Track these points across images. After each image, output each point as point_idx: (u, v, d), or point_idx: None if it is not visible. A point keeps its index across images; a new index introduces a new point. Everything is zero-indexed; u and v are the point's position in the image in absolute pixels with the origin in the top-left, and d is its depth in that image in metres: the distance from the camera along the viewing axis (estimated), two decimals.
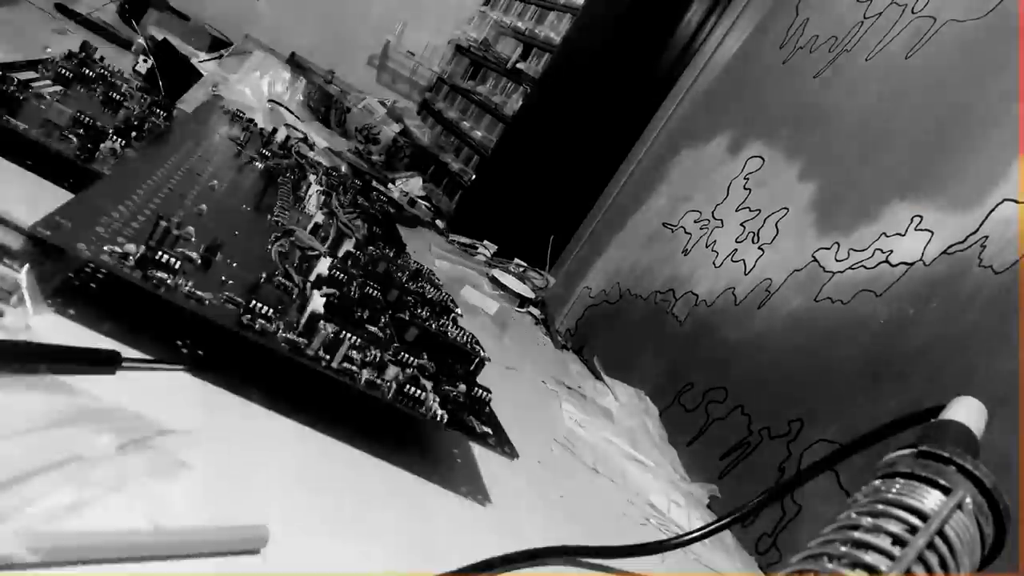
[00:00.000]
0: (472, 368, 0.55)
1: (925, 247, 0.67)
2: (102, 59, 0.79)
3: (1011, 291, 0.59)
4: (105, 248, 0.40)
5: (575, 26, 1.33)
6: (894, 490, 0.24)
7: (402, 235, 0.89)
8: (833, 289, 0.73)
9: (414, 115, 1.68)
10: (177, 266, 0.40)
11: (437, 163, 1.52)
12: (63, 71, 0.68)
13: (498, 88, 1.54)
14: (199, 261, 0.44)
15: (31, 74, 0.63)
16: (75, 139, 0.55)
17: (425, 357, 0.49)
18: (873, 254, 0.72)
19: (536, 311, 1.08)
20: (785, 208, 0.84)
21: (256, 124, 0.92)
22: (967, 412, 0.29)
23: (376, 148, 1.42)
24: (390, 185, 1.26)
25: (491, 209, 1.29)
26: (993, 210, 0.64)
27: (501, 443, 0.48)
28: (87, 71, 0.71)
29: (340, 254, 0.58)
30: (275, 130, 0.92)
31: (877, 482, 0.25)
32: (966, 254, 0.64)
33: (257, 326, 0.41)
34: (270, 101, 1.17)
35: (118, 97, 0.68)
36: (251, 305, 0.41)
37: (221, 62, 1.22)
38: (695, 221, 0.96)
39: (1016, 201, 0.63)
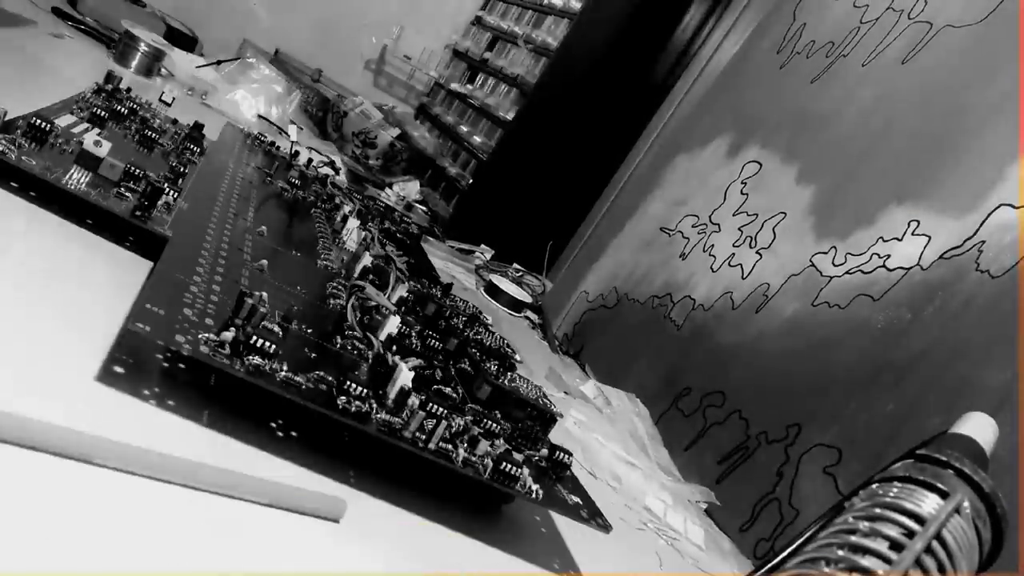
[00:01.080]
0: (546, 423, 0.53)
1: (922, 252, 0.68)
2: (128, 90, 0.79)
3: (1008, 295, 0.59)
4: (200, 338, 0.38)
5: (572, 31, 1.33)
6: (891, 494, 0.23)
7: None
8: (830, 293, 0.73)
9: (413, 120, 1.68)
10: (271, 350, 0.39)
11: (434, 167, 1.52)
12: (97, 110, 0.66)
13: (495, 92, 1.54)
14: (281, 335, 0.41)
15: (69, 118, 0.62)
16: (131, 196, 0.53)
17: (498, 416, 0.49)
18: (870, 258, 0.72)
19: (534, 315, 1.08)
20: (782, 213, 0.84)
21: (278, 147, 0.91)
22: (975, 427, 0.29)
23: (373, 152, 1.42)
24: (387, 190, 1.26)
25: (488, 213, 1.29)
26: (990, 215, 0.64)
27: (592, 515, 0.46)
28: (119, 107, 0.70)
29: (394, 300, 0.56)
30: (297, 152, 0.91)
31: (875, 486, 0.24)
32: (963, 259, 0.64)
33: (353, 408, 0.40)
34: (259, 117, 1.18)
35: (152, 135, 0.67)
36: (345, 386, 0.40)
37: (219, 70, 1.22)
38: (693, 226, 0.96)
39: (1013, 206, 0.63)
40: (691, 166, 1.04)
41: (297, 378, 0.40)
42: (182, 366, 0.40)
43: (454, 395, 0.49)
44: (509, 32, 1.58)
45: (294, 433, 0.41)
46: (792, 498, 0.65)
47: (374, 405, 0.41)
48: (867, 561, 0.22)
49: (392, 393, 0.43)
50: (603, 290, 1.04)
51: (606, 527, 0.46)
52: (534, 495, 0.44)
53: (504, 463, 0.43)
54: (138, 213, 0.51)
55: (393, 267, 0.59)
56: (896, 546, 0.22)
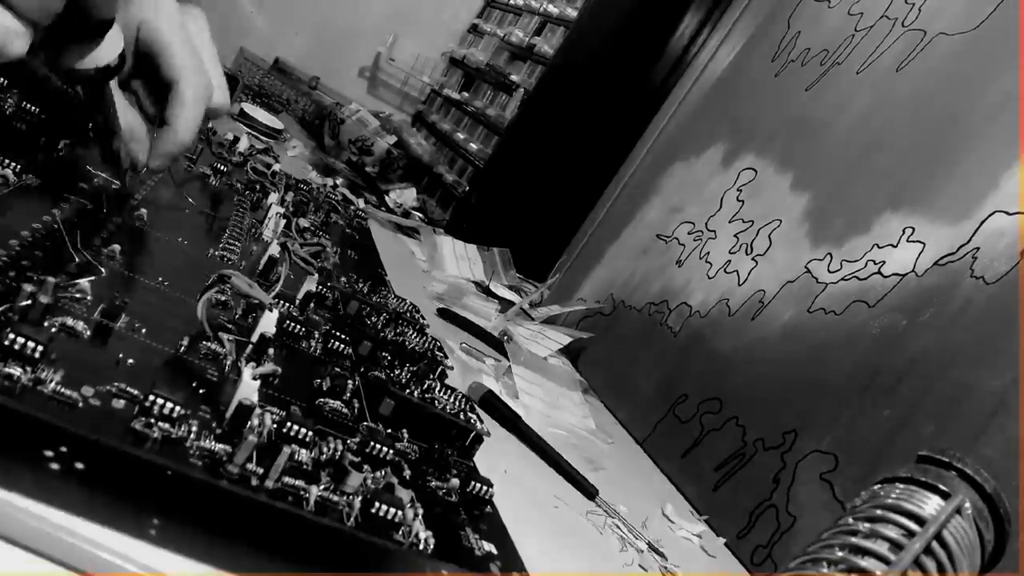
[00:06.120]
0: (468, 444, 0.44)
1: (917, 258, 0.68)
2: None
3: (1003, 301, 0.60)
4: None
5: (568, 38, 1.34)
6: (893, 495, 0.23)
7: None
8: (826, 300, 0.73)
9: (410, 127, 1.68)
10: (37, 353, 0.29)
11: (431, 174, 1.52)
12: None
13: (491, 100, 1.54)
14: (87, 335, 0.33)
15: None
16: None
17: (404, 439, 0.40)
18: (865, 265, 0.72)
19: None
20: (778, 220, 0.84)
21: (215, 132, 0.82)
22: None
23: (370, 160, 1.42)
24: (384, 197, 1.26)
25: (485, 220, 1.29)
26: (984, 221, 0.64)
27: (512, 566, 0.37)
28: None
29: (300, 295, 0.49)
30: (237, 139, 0.85)
31: (876, 487, 0.24)
32: (957, 265, 0.64)
33: (155, 433, 0.30)
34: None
35: None
36: (148, 402, 0.30)
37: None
38: (688, 233, 0.96)
39: (1007, 213, 0.63)
40: (687, 173, 1.04)
41: (73, 394, 0.29)
42: None
43: (344, 412, 0.40)
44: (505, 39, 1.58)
45: (80, 465, 0.28)
46: (789, 505, 0.65)
47: (193, 429, 0.31)
48: (866, 562, 0.22)
49: (228, 412, 0.33)
50: (599, 297, 1.05)
51: None
52: (421, 545, 0.33)
53: (379, 502, 0.33)
54: None
55: (286, 256, 0.50)
56: (896, 547, 0.22)
